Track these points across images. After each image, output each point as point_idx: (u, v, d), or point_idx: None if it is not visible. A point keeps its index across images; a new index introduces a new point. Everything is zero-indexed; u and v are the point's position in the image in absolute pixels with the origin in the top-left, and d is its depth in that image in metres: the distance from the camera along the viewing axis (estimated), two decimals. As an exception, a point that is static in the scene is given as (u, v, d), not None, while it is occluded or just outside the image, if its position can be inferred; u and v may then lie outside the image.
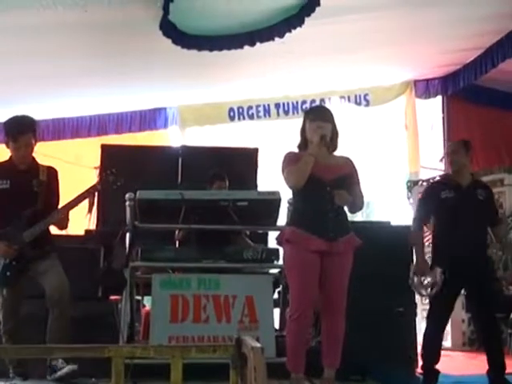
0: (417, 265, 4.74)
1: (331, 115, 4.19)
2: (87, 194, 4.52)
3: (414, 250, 4.91)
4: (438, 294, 4.62)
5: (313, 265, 3.94)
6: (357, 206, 4.15)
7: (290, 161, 4.05)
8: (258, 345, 2.23)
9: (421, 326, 6.22)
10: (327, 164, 4.06)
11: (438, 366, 4.67)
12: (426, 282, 4.70)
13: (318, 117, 4.11)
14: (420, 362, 4.80)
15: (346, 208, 4.14)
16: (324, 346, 4.07)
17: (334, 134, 4.15)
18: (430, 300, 4.79)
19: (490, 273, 4.86)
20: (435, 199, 4.75)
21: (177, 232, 5.54)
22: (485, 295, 4.60)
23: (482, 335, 4.83)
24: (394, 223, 5.95)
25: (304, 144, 4.14)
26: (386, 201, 11.76)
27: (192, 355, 2.47)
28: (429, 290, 4.68)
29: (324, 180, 3.99)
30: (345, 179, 4.08)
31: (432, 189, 5.08)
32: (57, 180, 4.65)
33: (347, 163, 4.19)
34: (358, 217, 12.90)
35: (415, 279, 4.72)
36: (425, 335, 4.74)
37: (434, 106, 9.54)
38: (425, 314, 5.87)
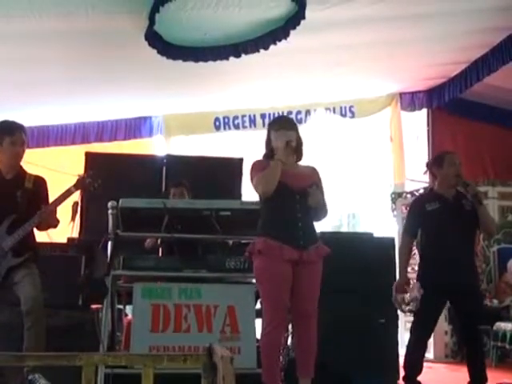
0: (398, 280, 4.75)
1: (294, 124, 4.29)
2: (64, 195, 4.49)
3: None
4: (421, 306, 4.63)
5: (286, 276, 3.93)
6: (320, 214, 4.15)
7: (258, 168, 4.07)
8: (228, 354, 2.21)
9: (403, 337, 6.24)
10: (295, 173, 4.08)
11: (420, 378, 4.67)
12: (406, 297, 4.70)
13: (282, 126, 4.16)
14: (402, 374, 4.80)
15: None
16: (297, 356, 4.06)
17: (300, 142, 4.19)
18: (414, 312, 4.80)
19: (476, 285, 4.88)
20: (421, 212, 4.77)
21: (147, 241, 5.54)
22: (471, 308, 4.61)
23: (466, 347, 4.82)
24: (378, 235, 5.96)
25: (270, 155, 4.16)
26: (372, 212, 11.79)
27: (163, 364, 2.44)
28: (409, 306, 4.69)
29: (293, 189, 4.01)
30: (312, 188, 4.07)
31: (417, 202, 5.10)
32: (45, 189, 4.64)
33: (313, 172, 4.22)
34: (344, 228, 12.98)
35: (396, 295, 4.72)
36: (408, 347, 4.74)
37: (419, 119, 9.59)
38: (407, 325, 5.90)
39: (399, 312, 5.39)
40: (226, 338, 4.61)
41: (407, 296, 4.69)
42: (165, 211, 4.62)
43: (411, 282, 4.77)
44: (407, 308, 4.72)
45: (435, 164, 4.90)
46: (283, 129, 4.12)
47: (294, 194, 4.00)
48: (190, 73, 6.91)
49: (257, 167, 4.10)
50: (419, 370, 4.64)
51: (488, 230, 4.93)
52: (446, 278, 4.51)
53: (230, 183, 6.78)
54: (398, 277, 4.88)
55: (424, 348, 4.83)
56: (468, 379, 4.64)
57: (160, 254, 5.63)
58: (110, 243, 4.67)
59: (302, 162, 4.28)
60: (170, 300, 4.64)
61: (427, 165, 5.00)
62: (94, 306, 5.16)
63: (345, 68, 7.76)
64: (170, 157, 7.52)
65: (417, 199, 5.56)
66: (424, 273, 4.73)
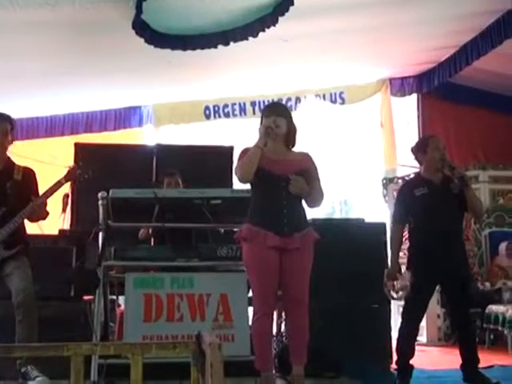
0: (390, 268, 4.75)
1: (286, 110, 4.27)
2: (54, 187, 4.47)
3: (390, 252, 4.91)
4: (411, 291, 4.64)
5: (271, 262, 3.90)
6: (315, 200, 4.09)
7: (241, 156, 4.05)
8: (217, 341, 2.21)
9: (397, 321, 6.27)
10: (284, 159, 4.05)
11: (412, 361, 4.69)
12: (397, 285, 4.69)
13: (272, 112, 4.12)
14: (395, 358, 4.82)
15: (304, 204, 4.11)
16: (290, 343, 4.07)
17: (292, 129, 4.15)
18: (406, 300, 4.81)
19: (466, 269, 4.89)
20: (410, 198, 4.76)
21: (141, 231, 5.54)
22: (460, 292, 4.62)
23: (457, 330, 4.84)
24: (369, 220, 5.95)
25: None
26: (364, 198, 11.80)
27: (152, 353, 2.44)
28: (399, 293, 4.69)
29: (279, 175, 3.97)
30: (302, 174, 4.03)
31: (405, 188, 5.07)
32: (35, 181, 4.60)
33: (305, 158, 4.15)
34: (336, 214, 13.01)
35: (387, 282, 4.72)
36: (399, 331, 4.75)
37: (409, 104, 9.59)
38: (400, 309, 5.92)
39: (390, 297, 5.42)
40: (220, 326, 4.62)
41: (397, 283, 4.69)
42: (155, 201, 4.61)
43: (402, 269, 4.78)
44: (397, 295, 4.72)
45: (419, 149, 4.87)
46: (273, 115, 4.09)
47: (279, 180, 3.97)
48: (178, 61, 6.88)
49: (241, 155, 4.07)
50: (411, 354, 4.66)
51: (476, 212, 4.92)
52: (435, 263, 4.52)
53: (221, 171, 6.76)
54: (389, 264, 4.86)
55: (415, 332, 4.84)
56: (460, 361, 4.68)
57: (152, 244, 5.63)
58: (100, 234, 4.66)
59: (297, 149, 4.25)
60: (163, 289, 4.65)
61: (412, 150, 4.97)
62: (86, 297, 5.15)
63: (334, 54, 7.76)
64: (160, 146, 7.50)
65: (405, 185, 5.49)
66: (414, 258, 4.73)
